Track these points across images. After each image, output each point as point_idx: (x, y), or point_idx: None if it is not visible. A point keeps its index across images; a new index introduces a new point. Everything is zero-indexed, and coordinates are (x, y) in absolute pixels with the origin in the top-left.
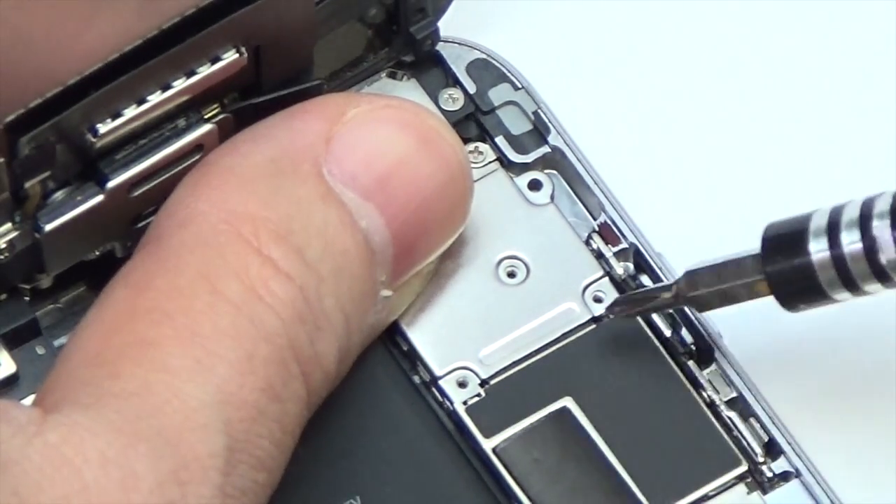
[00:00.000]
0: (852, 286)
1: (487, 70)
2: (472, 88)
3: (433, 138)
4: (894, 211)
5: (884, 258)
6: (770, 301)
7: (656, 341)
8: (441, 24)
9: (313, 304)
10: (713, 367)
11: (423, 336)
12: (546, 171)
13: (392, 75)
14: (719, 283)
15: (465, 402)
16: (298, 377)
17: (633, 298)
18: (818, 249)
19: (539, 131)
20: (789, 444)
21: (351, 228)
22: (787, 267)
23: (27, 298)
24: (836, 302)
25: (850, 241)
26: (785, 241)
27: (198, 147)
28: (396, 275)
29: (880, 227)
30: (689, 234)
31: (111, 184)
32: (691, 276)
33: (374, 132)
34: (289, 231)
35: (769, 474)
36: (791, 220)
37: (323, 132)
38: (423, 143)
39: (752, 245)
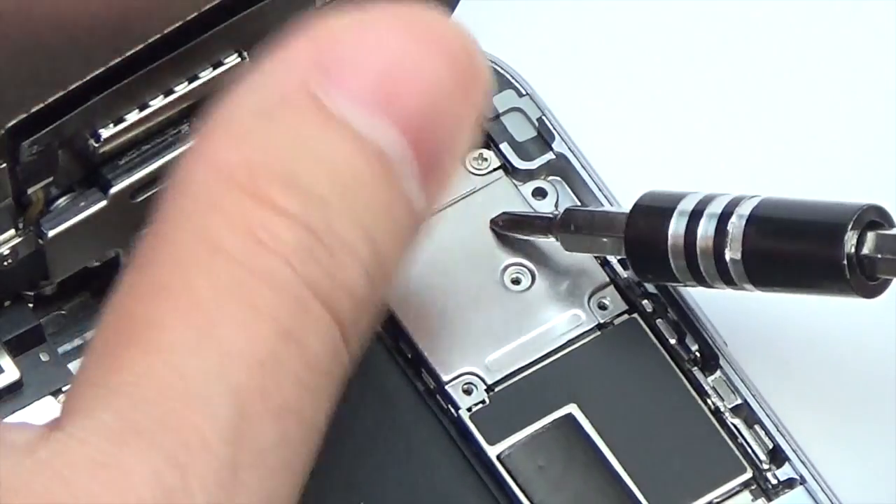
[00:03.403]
0: (697, 273)
1: (492, 76)
2: None
3: (429, 30)
4: (754, 216)
5: (728, 255)
6: (774, 307)
7: (661, 348)
8: None
9: (323, 235)
10: (718, 374)
11: (429, 342)
12: (550, 177)
13: None
14: (589, 230)
15: (469, 409)
16: (321, 313)
17: (515, 218)
18: (676, 228)
19: (543, 138)
20: (794, 451)
21: (358, 148)
22: (644, 234)
23: (31, 305)
24: (683, 284)
25: (705, 230)
26: (652, 211)
27: None
28: (429, 179)
29: (735, 225)
30: None
31: (114, 189)
32: (568, 213)
33: (365, 41)
34: (289, 168)
35: (774, 481)
36: (668, 193)
37: (310, 56)
38: (420, 38)
39: None
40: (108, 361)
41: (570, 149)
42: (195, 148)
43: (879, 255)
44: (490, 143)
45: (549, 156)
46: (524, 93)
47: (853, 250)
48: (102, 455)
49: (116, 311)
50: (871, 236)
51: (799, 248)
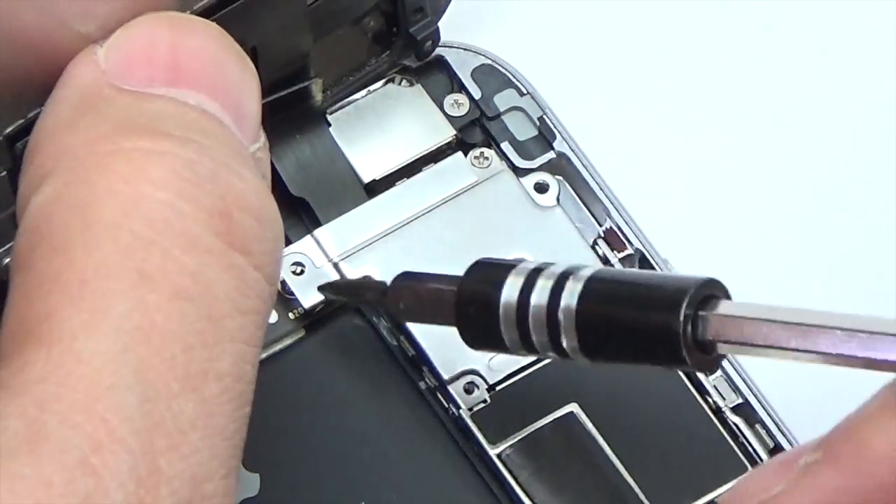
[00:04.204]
0: (529, 345)
1: (493, 75)
2: (477, 94)
3: (183, 19)
4: (588, 290)
5: (563, 336)
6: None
7: None
8: (446, 28)
9: (200, 159)
10: (718, 373)
11: (431, 340)
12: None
13: (397, 81)
14: (418, 303)
15: (470, 409)
16: (217, 246)
17: (343, 285)
18: (507, 300)
19: (544, 137)
20: None
21: (184, 105)
22: (474, 313)
23: None
24: (515, 353)
25: (538, 304)
26: (482, 284)
27: None
28: (248, 134)
29: (567, 303)
30: (695, 239)
31: None
32: (396, 286)
33: (135, 39)
34: (140, 124)
35: None
36: (499, 263)
37: (94, 66)
38: (179, 25)
39: (758, 247)
40: (10, 363)
41: (571, 148)
42: (41, 149)
43: (713, 338)
44: (491, 142)
45: (551, 155)
46: (525, 92)
47: (689, 330)
48: (16, 466)
49: (11, 316)
50: (706, 316)
51: (633, 328)
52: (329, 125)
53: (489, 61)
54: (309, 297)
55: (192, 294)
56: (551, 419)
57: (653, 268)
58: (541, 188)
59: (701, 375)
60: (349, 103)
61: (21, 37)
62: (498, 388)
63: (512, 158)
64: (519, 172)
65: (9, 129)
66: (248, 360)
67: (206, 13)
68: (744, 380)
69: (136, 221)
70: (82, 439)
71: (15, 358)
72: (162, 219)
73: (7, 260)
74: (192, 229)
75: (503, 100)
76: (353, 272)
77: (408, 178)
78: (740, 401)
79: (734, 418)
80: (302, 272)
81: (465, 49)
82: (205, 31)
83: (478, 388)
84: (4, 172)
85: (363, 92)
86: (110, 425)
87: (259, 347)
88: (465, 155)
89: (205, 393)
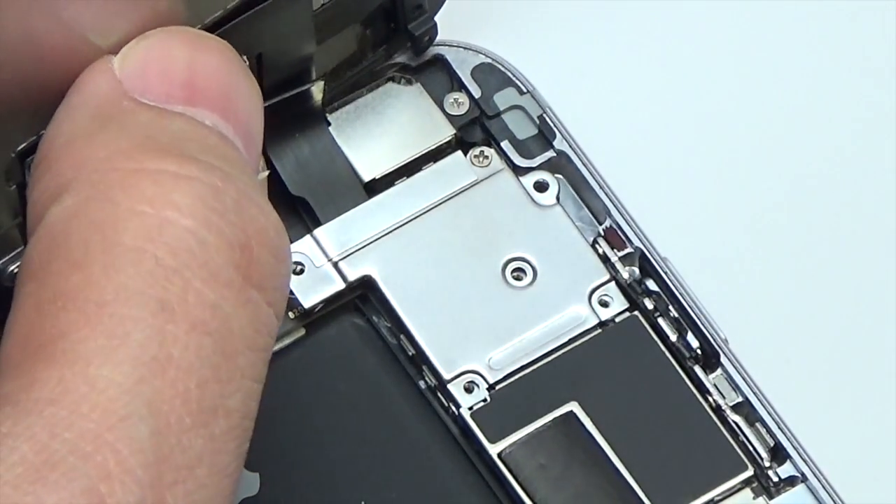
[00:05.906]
0: None
1: (493, 74)
2: (477, 93)
3: (199, 36)
4: None
5: None
6: (776, 305)
7: (662, 346)
8: (445, 27)
9: (224, 196)
10: (719, 371)
11: (431, 339)
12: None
13: (397, 80)
14: None
15: (471, 408)
16: (236, 281)
17: None
18: None
19: (544, 135)
20: (795, 448)
21: (203, 127)
22: None
23: None
24: None
25: None
26: None
27: None
28: (254, 159)
29: None
30: (695, 238)
31: None
32: None
33: (152, 51)
34: (163, 144)
35: (775, 479)
36: None
37: (110, 75)
38: (195, 43)
39: (758, 246)
40: (19, 378)
41: (570, 146)
42: (42, 160)
43: None
44: (491, 141)
45: (550, 153)
46: (525, 90)
47: None
48: (20, 494)
49: (20, 325)
50: None
51: None
52: (329, 124)
53: (489, 60)
54: (309, 297)
55: (209, 328)
56: (551, 418)
57: (653, 267)
58: (541, 187)
59: (701, 373)
60: (349, 102)
61: (40, 50)
62: (498, 387)
63: (512, 157)
64: (519, 171)
65: (22, 146)
66: (254, 398)
67: (217, 24)
68: (744, 378)
69: (160, 248)
70: (91, 468)
71: (24, 372)
72: (186, 247)
73: (13, 267)
74: (214, 261)
75: (503, 98)
76: (352, 272)
77: (407, 177)
78: (740, 399)
79: (734, 417)
80: (302, 271)
81: (464, 48)
82: (219, 51)
83: (478, 387)
84: (14, 186)
85: (363, 91)
86: (120, 456)
87: (262, 384)
88: (465, 154)
89: (214, 429)
